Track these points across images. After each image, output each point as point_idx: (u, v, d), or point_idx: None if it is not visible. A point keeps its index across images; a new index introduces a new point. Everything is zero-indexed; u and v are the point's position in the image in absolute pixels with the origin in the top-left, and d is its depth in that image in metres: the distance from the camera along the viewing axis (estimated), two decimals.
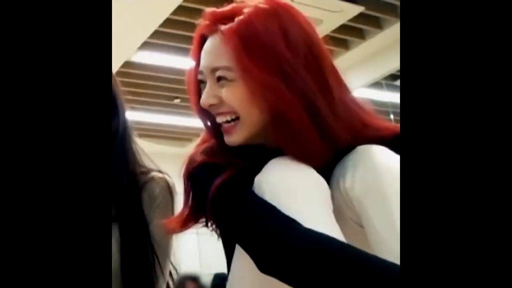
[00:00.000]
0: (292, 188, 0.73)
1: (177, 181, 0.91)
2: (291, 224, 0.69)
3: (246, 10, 0.78)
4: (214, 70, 0.79)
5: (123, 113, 1.02)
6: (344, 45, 4.48)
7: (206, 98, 0.80)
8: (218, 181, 0.76)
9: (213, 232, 0.89)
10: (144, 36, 3.84)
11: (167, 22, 3.70)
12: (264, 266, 0.70)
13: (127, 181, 0.97)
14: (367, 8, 3.89)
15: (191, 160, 0.85)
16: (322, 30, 3.80)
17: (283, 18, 0.78)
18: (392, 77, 4.84)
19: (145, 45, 4.03)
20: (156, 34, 3.84)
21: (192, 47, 0.85)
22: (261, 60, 0.75)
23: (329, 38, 3.98)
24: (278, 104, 0.76)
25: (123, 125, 1.01)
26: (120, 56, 4.03)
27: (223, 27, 0.77)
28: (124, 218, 0.94)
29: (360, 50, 4.48)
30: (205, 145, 0.88)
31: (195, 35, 0.84)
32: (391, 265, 0.63)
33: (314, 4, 3.54)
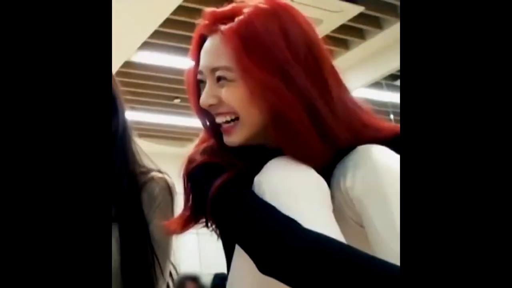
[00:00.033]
0: (292, 189, 0.73)
1: (177, 181, 0.91)
2: (291, 224, 0.69)
3: (246, 10, 0.78)
4: (213, 70, 0.79)
5: (123, 113, 1.02)
6: (344, 45, 4.48)
7: (205, 98, 0.80)
8: (218, 181, 0.76)
9: (213, 232, 0.89)
10: (144, 36, 3.84)
11: (167, 22, 3.70)
12: (264, 266, 0.69)
13: (127, 181, 0.97)
14: (367, 8, 3.89)
15: (190, 160, 0.85)
16: (322, 30, 3.80)
17: (283, 18, 0.78)
18: (392, 77, 4.84)
19: (145, 45, 4.03)
20: (156, 34, 3.84)
21: (192, 45, 0.85)
22: (261, 60, 0.75)
23: (329, 38, 3.98)
24: (278, 104, 0.76)
25: (123, 125, 1.01)
26: (120, 56, 4.03)
27: (223, 27, 0.77)
28: (124, 218, 0.94)
29: (360, 50, 4.48)
30: (205, 144, 0.87)
31: (195, 34, 0.84)
32: (391, 265, 0.63)
33: (314, 4, 3.54)
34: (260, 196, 0.73)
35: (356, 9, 3.86)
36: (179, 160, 0.86)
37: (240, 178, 0.77)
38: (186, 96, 0.87)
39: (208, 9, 0.82)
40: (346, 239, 0.69)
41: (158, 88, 4.98)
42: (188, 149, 0.89)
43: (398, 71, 4.34)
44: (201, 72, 0.81)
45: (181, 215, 0.86)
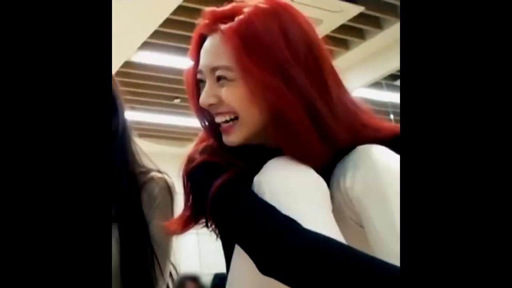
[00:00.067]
0: (292, 189, 0.73)
1: (176, 181, 0.91)
2: (290, 224, 0.69)
3: (246, 10, 0.78)
4: (213, 69, 0.79)
5: (123, 113, 1.02)
6: (344, 45, 4.48)
7: (205, 98, 0.80)
8: (218, 181, 0.76)
9: (213, 232, 0.89)
10: (144, 36, 3.84)
11: (167, 22, 3.70)
12: (264, 266, 0.69)
13: (127, 181, 0.97)
14: (367, 8, 3.89)
15: (190, 159, 0.84)
16: (322, 30, 3.80)
17: (283, 18, 0.78)
18: (392, 77, 4.85)
19: (145, 45, 4.03)
20: (156, 34, 3.84)
21: (191, 45, 0.85)
22: (261, 60, 0.75)
23: (329, 38, 3.98)
24: (278, 104, 0.76)
25: (123, 125, 1.01)
26: (120, 56, 4.03)
27: (223, 26, 0.77)
28: (124, 218, 0.94)
29: (360, 50, 4.49)
30: (204, 144, 0.87)
31: (194, 34, 0.84)
32: (390, 266, 0.63)
33: (314, 4, 3.54)
34: (260, 196, 0.73)
35: (356, 9, 3.86)
36: (179, 160, 0.86)
37: (240, 178, 0.77)
38: (186, 96, 0.87)
39: (208, 9, 0.82)
40: (346, 239, 0.69)
41: (158, 88, 4.98)
42: (188, 149, 0.89)
43: (398, 71, 4.34)
44: (201, 72, 0.81)
45: (181, 216, 0.86)
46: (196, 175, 0.82)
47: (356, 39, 4.41)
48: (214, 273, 3.59)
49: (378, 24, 4.24)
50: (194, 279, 3.51)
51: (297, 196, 0.72)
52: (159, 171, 1.02)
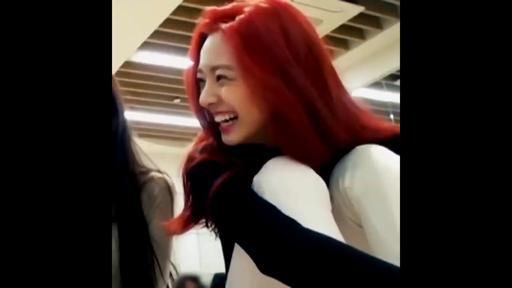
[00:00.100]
0: (291, 188, 0.73)
1: (177, 181, 0.91)
2: (291, 224, 0.69)
3: (247, 9, 0.78)
4: (214, 68, 0.79)
5: (122, 113, 1.02)
6: (344, 45, 4.48)
7: (205, 97, 0.80)
8: (218, 180, 0.76)
9: (213, 232, 0.89)
10: (144, 36, 3.84)
11: (167, 22, 3.70)
12: (264, 266, 0.69)
13: (127, 181, 0.97)
14: (367, 8, 3.89)
15: (190, 158, 0.84)
16: (322, 30, 3.80)
17: (284, 17, 0.78)
18: (392, 77, 4.85)
19: (145, 45, 4.03)
20: (156, 34, 3.84)
21: (191, 44, 0.85)
22: (262, 60, 0.75)
23: (329, 38, 3.98)
24: (278, 104, 0.76)
25: (123, 125, 1.01)
26: (120, 56, 4.03)
27: (223, 26, 0.77)
28: (124, 218, 0.94)
29: (360, 50, 4.49)
30: (204, 143, 0.87)
31: (195, 33, 0.84)
32: (390, 266, 0.63)
33: (314, 4, 3.54)
34: (260, 195, 0.73)
35: (356, 9, 3.86)
36: (179, 160, 0.86)
37: (240, 177, 0.77)
38: (186, 96, 0.87)
39: (209, 8, 0.82)
40: (345, 239, 0.69)
41: (158, 88, 4.98)
42: (188, 149, 0.89)
43: (398, 71, 4.34)
44: (201, 71, 0.81)
45: (181, 215, 0.86)
46: (196, 174, 0.82)
47: (356, 39, 4.41)
48: (214, 273, 3.59)
49: (378, 24, 4.24)
50: (194, 279, 3.51)
51: (297, 196, 0.72)
52: (159, 171, 1.02)
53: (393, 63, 4.30)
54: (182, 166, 0.85)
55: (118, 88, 1.03)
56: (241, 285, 0.79)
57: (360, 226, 0.75)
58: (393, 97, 5.06)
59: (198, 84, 0.84)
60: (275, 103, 0.76)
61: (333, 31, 4.07)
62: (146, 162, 1.03)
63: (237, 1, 0.82)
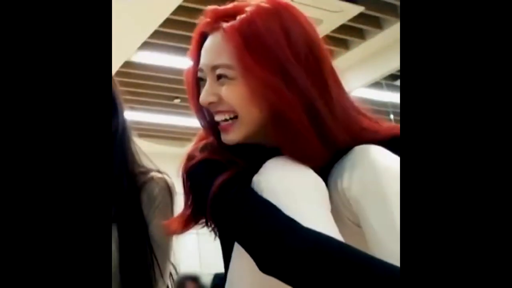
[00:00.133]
0: (290, 188, 0.73)
1: (176, 181, 0.91)
2: (291, 223, 0.69)
3: (248, 9, 0.78)
4: (214, 68, 0.79)
5: (122, 113, 1.02)
6: (344, 45, 4.48)
7: (205, 96, 0.80)
8: (219, 180, 0.76)
9: (213, 231, 0.89)
10: (144, 36, 3.84)
11: (167, 22, 3.70)
12: (264, 265, 0.70)
13: (126, 181, 0.96)
14: (367, 8, 3.89)
15: (189, 157, 0.84)
16: (322, 30, 3.79)
17: (285, 17, 0.78)
18: (392, 77, 4.84)
19: (145, 45, 4.03)
20: (156, 34, 3.84)
21: (192, 44, 0.85)
22: (263, 59, 0.75)
23: (329, 38, 3.98)
24: (278, 104, 0.76)
25: (122, 125, 1.01)
26: (120, 56, 4.03)
27: (225, 25, 0.77)
28: (123, 219, 0.94)
29: (360, 50, 4.48)
30: (203, 142, 0.87)
31: (195, 32, 0.84)
32: (390, 265, 0.63)
33: (314, 4, 3.54)
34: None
35: (356, 9, 3.86)
36: (179, 160, 0.86)
37: (240, 177, 0.77)
38: (186, 96, 0.87)
39: (210, 7, 0.82)
40: (344, 240, 0.69)
41: (158, 88, 4.98)
42: (188, 148, 0.89)
43: (398, 71, 4.34)
44: (201, 70, 0.81)
45: (181, 215, 0.86)
46: (196, 172, 0.82)
47: (356, 39, 4.41)
48: (214, 273, 3.59)
49: (378, 24, 4.24)
50: (194, 279, 3.52)
51: (296, 195, 0.72)
52: (159, 171, 1.02)
53: (393, 63, 4.30)
54: (182, 165, 0.85)
55: (118, 88, 1.03)
56: (241, 285, 0.79)
57: (359, 226, 0.75)
58: (393, 97, 5.06)
59: (198, 83, 0.84)
60: (275, 102, 0.76)
61: (333, 31, 4.07)
62: (146, 162, 1.03)
63: (238, 1, 0.82)
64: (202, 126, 0.87)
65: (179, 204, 0.91)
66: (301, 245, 0.66)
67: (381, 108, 5.11)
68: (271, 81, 0.75)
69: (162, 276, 0.96)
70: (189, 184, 0.84)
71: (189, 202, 0.85)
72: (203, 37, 0.82)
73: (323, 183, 0.76)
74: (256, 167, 0.77)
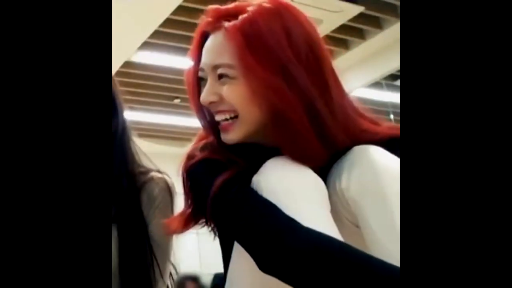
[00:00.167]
0: (290, 188, 0.73)
1: (176, 181, 0.91)
2: (291, 223, 0.69)
3: (250, 9, 0.78)
4: (215, 67, 0.79)
5: (122, 113, 1.02)
6: (344, 45, 4.48)
7: (206, 96, 0.80)
8: (219, 180, 0.76)
9: (212, 231, 0.89)
10: (144, 36, 3.84)
11: (167, 22, 3.70)
12: (265, 265, 0.70)
13: (126, 181, 0.96)
14: (367, 8, 3.89)
15: (190, 156, 0.84)
16: (322, 30, 3.76)
17: (286, 17, 0.78)
18: (392, 77, 4.84)
19: (145, 45, 4.03)
20: (156, 34, 3.84)
21: (193, 43, 0.85)
22: (264, 59, 0.75)
23: (329, 38, 3.98)
24: (278, 104, 0.76)
25: (122, 125, 1.01)
26: (120, 56, 4.03)
27: (226, 24, 0.77)
28: (123, 219, 0.94)
29: (360, 50, 4.48)
30: (204, 141, 0.87)
31: (196, 32, 0.84)
32: (390, 266, 0.63)
33: (314, 4, 3.54)
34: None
35: (356, 9, 3.86)
36: (179, 160, 0.86)
37: (240, 177, 0.77)
38: (186, 96, 0.87)
39: (212, 7, 0.82)
40: (343, 240, 0.69)
41: (158, 88, 4.98)
42: (188, 148, 0.89)
43: (398, 71, 4.34)
44: (202, 70, 0.81)
45: (182, 214, 0.86)
46: (196, 172, 0.82)
47: (356, 39, 4.41)
48: (214, 273, 3.59)
49: (378, 24, 4.24)
50: (194, 279, 3.52)
51: (296, 195, 0.72)
52: (159, 171, 1.02)
53: (393, 63, 4.30)
54: (182, 164, 0.85)
55: (118, 88, 1.03)
56: (241, 285, 0.79)
57: (357, 226, 0.75)
58: (393, 97, 5.06)
59: (199, 83, 0.84)
60: (276, 102, 0.76)
61: (333, 31, 4.07)
62: (146, 162, 1.03)
63: (239, 1, 0.82)
64: (202, 125, 0.87)
65: (179, 204, 0.91)
66: (301, 245, 0.66)
67: (381, 108, 5.11)
68: (272, 81, 0.75)
69: (162, 276, 0.96)
70: (189, 184, 0.84)
71: (189, 202, 0.85)
72: (204, 37, 0.82)
73: (323, 183, 0.76)
74: (256, 167, 0.77)
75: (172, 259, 0.99)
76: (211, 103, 0.80)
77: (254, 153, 0.81)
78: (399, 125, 0.81)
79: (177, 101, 5.22)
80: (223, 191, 0.75)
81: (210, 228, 0.88)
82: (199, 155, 0.83)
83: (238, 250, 0.78)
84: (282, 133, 0.78)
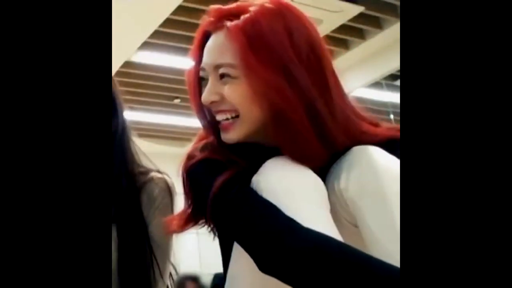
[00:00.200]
0: (290, 188, 0.73)
1: (176, 181, 0.91)
2: (291, 223, 0.69)
3: (252, 9, 0.78)
4: (217, 67, 0.79)
5: (122, 113, 1.02)
6: (344, 45, 4.48)
7: (207, 95, 0.80)
8: (219, 180, 0.76)
9: (212, 231, 0.89)
10: (144, 36, 3.84)
11: (167, 22, 3.70)
12: (264, 265, 0.70)
13: (126, 181, 0.96)
14: (367, 8, 3.89)
15: (189, 156, 0.84)
16: (322, 30, 3.75)
17: (288, 18, 0.78)
18: (392, 77, 4.84)
19: (145, 45, 4.03)
20: (156, 34, 3.84)
21: (194, 43, 0.85)
22: (266, 59, 0.75)
23: (329, 38, 3.98)
24: (280, 104, 0.76)
25: (122, 125, 1.01)
26: (120, 56, 4.03)
27: (229, 23, 0.77)
28: (122, 219, 0.94)
29: (360, 50, 4.48)
30: (204, 141, 0.87)
31: (198, 31, 0.84)
32: (390, 266, 0.63)
33: (314, 4, 3.54)
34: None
35: (356, 9, 3.86)
36: (179, 160, 0.86)
37: (240, 177, 0.77)
38: (186, 96, 0.87)
39: (214, 6, 0.82)
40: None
41: (158, 88, 4.98)
42: (188, 148, 0.89)
43: (398, 71, 4.34)
44: (203, 69, 0.81)
45: (182, 213, 0.86)
46: (196, 172, 0.82)
47: (356, 39, 4.41)
48: (214, 273, 3.59)
49: (378, 24, 4.24)
50: (194, 279, 3.51)
51: (296, 196, 0.72)
52: (158, 171, 1.02)
53: (393, 63, 4.30)
54: (182, 164, 0.85)
55: (118, 88, 1.03)
56: (241, 285, 0.79)
57: (356, 226, 0.75)
58: (393, 97, 5.06)
59: (200, 82, 0.84)
60: (277, 102, 0.76)
61: (333, 31, 4.07)
62: (145, 162, 1.03)
63: (241, 1, 0.82)
64: (203, 125, 0.87)
65: (179, 204, 0.91)
66: (301, 245, 0.66)
67: (381, 108, 5.11)
68: (274, 81, 0.75)
69: (162, 276, 0.95)
70: (189, 184, 0.84)
71: (189, 202, 0.85)
72: (205, 37, 0.82)
73: (322, 183, 0.76)
74: (256, 167, 0.77)
75: (172, 259, 0.99)
76: (212, 102, 0.80)
77: (254, 153, 0.81)
78: (397, 126, 0.81)
79: (177, 101, 5.22)
80: (223, 191, 0.75)
81: (210, 228, 0.88)
82: (199, 155, 0.83)
83: (238, 250, 0.78)
84: (282, 133, 0.78)
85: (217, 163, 0.80)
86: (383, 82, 4.99)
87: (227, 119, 0.80)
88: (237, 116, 0.79)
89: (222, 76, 0.78)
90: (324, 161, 0.79)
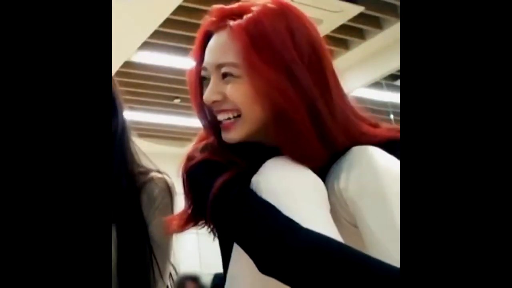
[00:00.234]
0: (290, 188, 0.73)
1: (176, 181, 0.91)
2: (290, 224, 0.69)
3: (254, 9, 0.78)
4: (219, 66, 0.79)
5: (122, 113, 1.02)
6: (344, 45, 4.48)
7: (209, 95, 0.80)
8: (219, 181, 0.76)
9: (212, 232, 0.89)
10: (144, 36, 3.84)
11: (167, 22, 3.70)
12: (264, 266, 0.69)
13: (126, 181, 0.96)
14: (367, 8, 3.89)
15: (189, 157, 0.84)
16: (322, 30, 3.75)
17: (290, 18, 0.78)
18: (392, 77, 4.84)
19: (145, 45, 4.03)
20: (156, 34, 3.84)
21: (195, 43, 0.84)
22: (269, 59, 0.75)
23: (329, 38, 3.98)
24: (281, 103, 0.76)
25: (122, 125, 1.01)
26: (120, 56, 4.03)
27: (231, 23, 0.77)
28: (122, 219, 0.94)
29: (360, 50, 4.48)
30: (204, 142, 0.87)
31: (199, 31, 0.84)
32: (389, 266, 0.63)
33: (314, 4, 3.54)
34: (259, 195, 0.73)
35: (356, 9, 3.86)
36: (179, 160, 0.86)
37: (240, 177, 0.77)
38: (186, 96, 0.86)
39: (216, 6, 0.82)
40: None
41: (158, 88, 4.97)
42: (188, 149, 0.88)
43: (398, 71, 4.34)
44: (205, 69, 0.81)
45: (182, 213, 0.86)
46: (196, 173, 0.82)
47: (356, 39, 4.41)
48: (214, 273, 3.59)
49: (378, 24, 4.24)
50: (194, 279, 3.51)
51: (296, 196, 0.72)
52: (159, 171, 1.02)
53: (393, 63, 4.30)
54: (182, 165, 0.85)
55: (118, 88, 1.03)
56: (241, 285, 0.79)
57: (356, 227, 0.75)
58: (393, 97, 5.06)
59: (201, 82, 0.84)
60: (279, 102, 0.76)
61: (333, 31, 4.07)
62: (145, 162, 1.03)
63: (242, 1, 0.82)
64: (203, 125, 0.87)
65: (179, 204, 0.91)
66: (301, 246, 0.66)
67: (381, 108, 5.10)
68: (277, 81, 0.75)
69: (161, 276, 0.95)
70: (189, 185, 0.84)
71: (189, 203, 0.85)
72: (207, 36, 0.82)
73: (322, 184, 0.76)
74: (256, 167, 0.77)
75: (172, 259, 0.99)
76: (214, 102, 0.80)
77: (254, 153, 0.81)
78: (397, 126, 0.81)
79: (177, 101, 5.22)
80: (222, 192, 0.75)
81: (210, 229, 0.88)
82: (199, 156, 0.83)
83: (238, 251, 0.78)
84: (283, 133, 0.78)
85: (217, 164, 0.80)
86: (383, 82, 4.99)
87: (228, 118, 0.80)
88: (238, 116, 0.79)
89: (224, 75, 0.78)
90: (324, 161, 0.79)
